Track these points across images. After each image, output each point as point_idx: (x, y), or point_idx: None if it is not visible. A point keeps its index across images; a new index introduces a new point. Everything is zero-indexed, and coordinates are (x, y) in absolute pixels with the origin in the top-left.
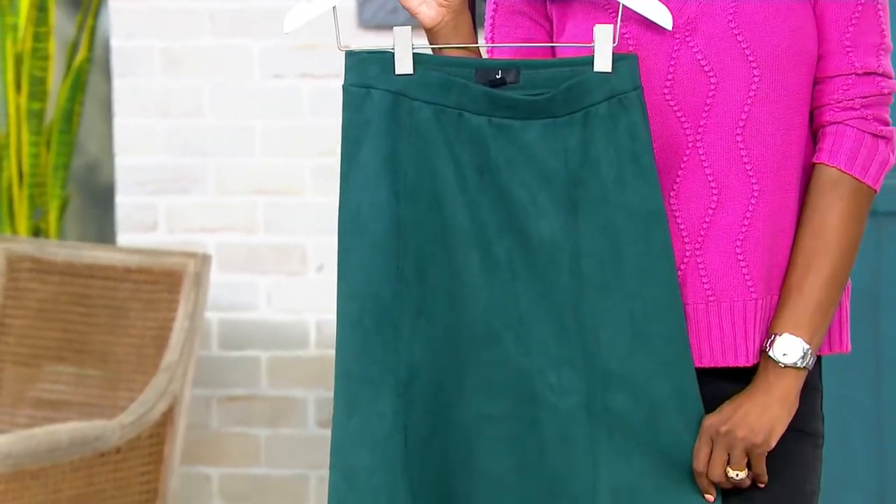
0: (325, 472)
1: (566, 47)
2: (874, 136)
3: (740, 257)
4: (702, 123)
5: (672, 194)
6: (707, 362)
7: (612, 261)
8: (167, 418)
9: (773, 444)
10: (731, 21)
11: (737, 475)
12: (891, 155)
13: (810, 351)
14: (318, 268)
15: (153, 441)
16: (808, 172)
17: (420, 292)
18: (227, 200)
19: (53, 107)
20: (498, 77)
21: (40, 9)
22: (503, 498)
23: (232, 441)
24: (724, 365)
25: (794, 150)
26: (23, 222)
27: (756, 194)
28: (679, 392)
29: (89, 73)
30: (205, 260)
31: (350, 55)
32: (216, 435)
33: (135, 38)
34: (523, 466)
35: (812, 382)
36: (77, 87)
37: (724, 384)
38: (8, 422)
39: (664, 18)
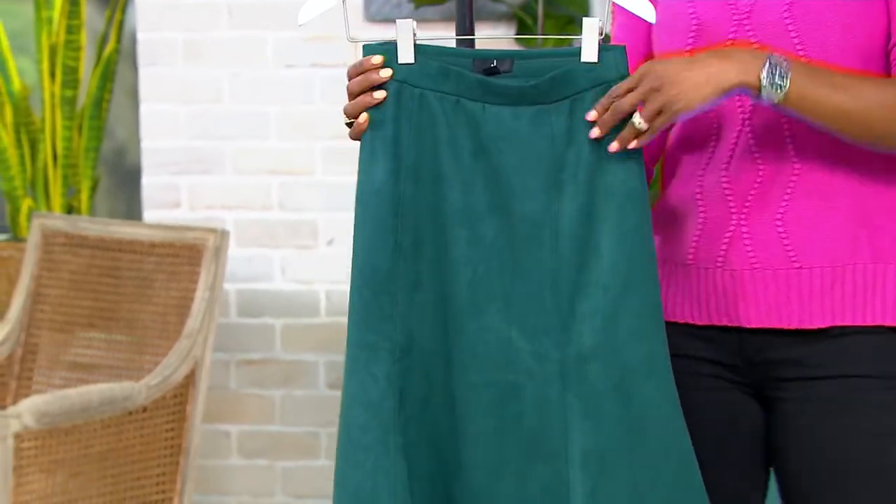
0: (334, 430)
1: (557, 38)
2: None
3: (780, 229)
4: (752, 102)
5: (724, 166)
6: (754, 323)
7: (590, 239)
8: (189, 380)
9: (682, 108)
10: (787, 12)
11: (640, 122)
12: None
13: (783, 87)
14: (328, 242)
15: (177, 401)
16: (856, 154)
17: (417, 266)
18: (244, 180)
19: (85, 94)
20: (493, 66)
21: (73, 3)
22: (487, 460)
23: (249, 401)
24: (769, 326)
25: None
26: (57, 200)
27: (797, 172)
28: (648, 360)
29: (117, 63)
30: (223, 235)
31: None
32: (234, 395)
33: (159, 31)
34: (504, 430)
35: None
36: (106, 76)
37: (770, 339)
38: (44, 383)
39: (648, 13)
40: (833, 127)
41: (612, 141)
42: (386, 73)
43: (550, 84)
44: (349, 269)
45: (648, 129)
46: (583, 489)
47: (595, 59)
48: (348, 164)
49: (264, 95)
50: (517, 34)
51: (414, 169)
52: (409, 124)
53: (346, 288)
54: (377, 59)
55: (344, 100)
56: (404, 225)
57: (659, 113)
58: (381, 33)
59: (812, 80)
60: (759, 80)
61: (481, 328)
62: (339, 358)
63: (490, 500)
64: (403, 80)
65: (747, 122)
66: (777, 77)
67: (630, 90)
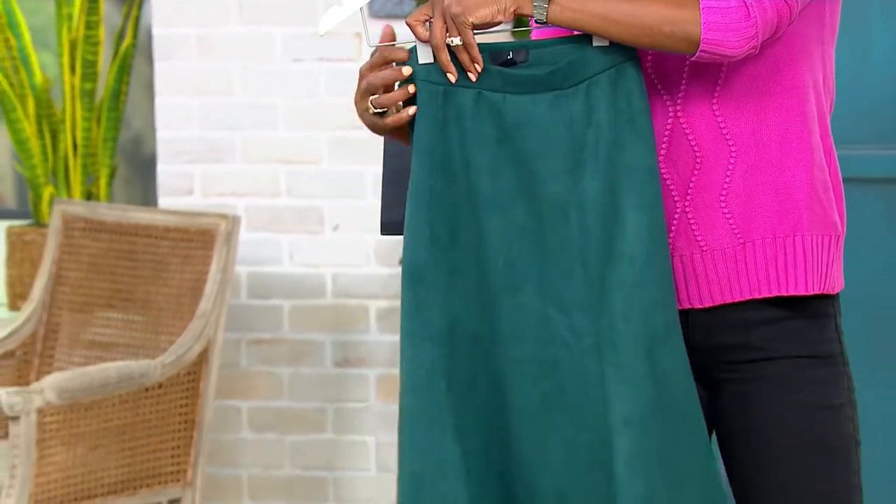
0: (340, 405)
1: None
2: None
3: (725, 210)
4: (680, 95)
5: (660, 159)
6: (706, 303)
7: (613, 214)
8: (202, 358)
9: (472, 20)
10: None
11: (451, 41)
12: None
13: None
14: (334, 227)
15: (190, 378)
16: (786, 132)
17: (453, 253)
18: (254, 169)
19: (103, 87)
20: (509, 58)
21: (91, 1)
22: (534, 432)
23: (259, 378)
24: (722, 302)
25: (768, 114)
26: (77, 187)
27: (734, 153)
28: (669, 327)
29: (134, 57)
30: (235, 220)
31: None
32: (245, 373)
33: (173, 27)
34: (548, 402)
35: (822, 310)
36: (123, 69)
37: (717, 323)
38: (65, 360)
39: None
40: (610, 36)
41: (628, 119)
42: (407, 70)
43: (566, 70)
44: (354, 253)
45: (464, 41)
46: (623, 453)
47: (606, 43)
48: (353, 153)
49: (273, 88)
50: (513, 28)
51: (443, 162)
52: (435, 120)
53: (351, 271)
54: (407, 69)
55: (349, 92)
56: (438, 216)
57: (454, 21)
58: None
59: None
60: (532, 7)
61: (518, 307)
62: (345, 337)
63: (540, 470)
64: (426, 78)
65: (679, 111)
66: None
67: (438, 26)
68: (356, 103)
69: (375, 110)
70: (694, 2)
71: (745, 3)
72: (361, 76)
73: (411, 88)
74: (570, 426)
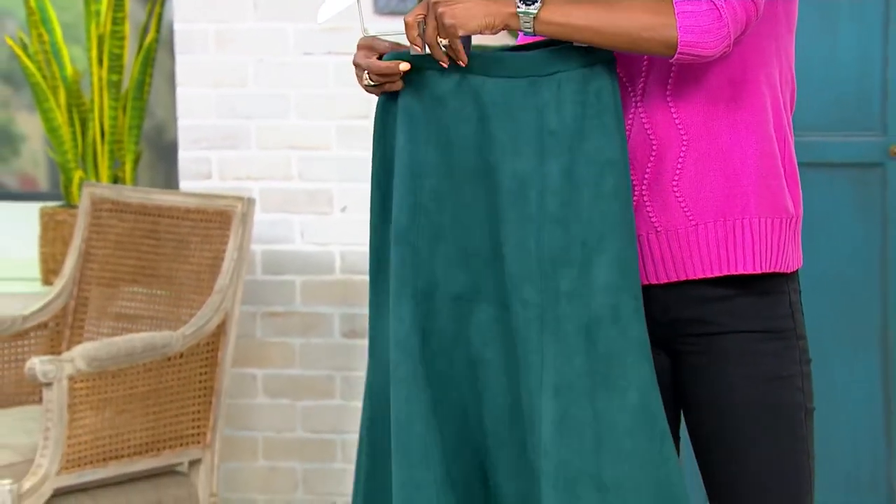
0: (348, 374)
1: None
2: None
3: (677, 194)
4: (640, 88)
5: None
6: (662, 279)
7: (570, 198)
8: (220, 329)
9: (462, 33)
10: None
11: (441, 42)
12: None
13: (531, 13)
14: (342, 209)
15: (210, 348)
16: (736, 122)
17: (438, 220)
18: (268, 154)
19: (128, 78)
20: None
21: None
22: (493, 387)
23: (273, 348)
24: (677, 279)
25: (719, 106)
26: (104, 172)
27: (685, 143)
28: (614, 310)
29: (157, 50)
30: (250, 202)
31: (390, 55)
32: (260, 343)
33: (193, 23)
34: (503, 362)
35: (774, 287)
36: (147, 62)
37: (674, 299)
38: (94, 332)
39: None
40: (594, 44)
41: (595, 113)
42: (405, 66)
43: (546, 59)
44: (360, 233)
45: (448, 43)
46: (552, 417)
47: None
48: (360, 140)
49: (285, 80)
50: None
51: (427, 137)
52: (421, 99)
53: (358, 249)
54: (405, 65)
55: (356, 83)
56: (423, 185)
57: (441, 29)
58: (388, 24)
59: (563, 9)
60: (519, 21)
61: (487, 273)
62: (352, 310)
63: (489, 424)
64: (418, 65)
65: (639, 103)
66: (527, 6)
67: (420, 19)
68: (357, 74)
69: (370, 83)
70: (669, 8)
71: (715, 5)
72: (357, 65)
73: (403, 66)
74: (515, 386)
